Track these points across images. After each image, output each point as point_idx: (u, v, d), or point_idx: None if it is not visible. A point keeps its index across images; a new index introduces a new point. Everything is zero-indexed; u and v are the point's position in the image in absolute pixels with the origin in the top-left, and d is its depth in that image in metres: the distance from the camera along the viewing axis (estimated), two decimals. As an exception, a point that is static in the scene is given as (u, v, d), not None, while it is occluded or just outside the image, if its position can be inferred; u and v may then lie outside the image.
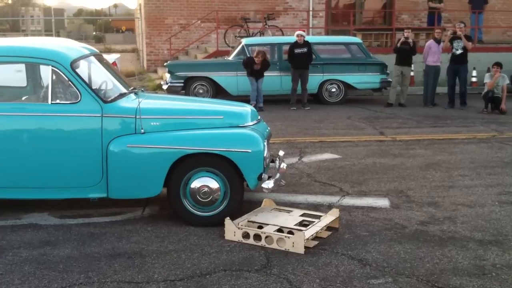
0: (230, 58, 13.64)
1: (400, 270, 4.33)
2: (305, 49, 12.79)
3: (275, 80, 13.25)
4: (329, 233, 5.06)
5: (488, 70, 13.66)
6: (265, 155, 5.27)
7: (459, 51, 12.92)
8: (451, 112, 12.49)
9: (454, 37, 13.00)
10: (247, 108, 5.89)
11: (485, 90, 12.60)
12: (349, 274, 4.27)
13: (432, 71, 13.33)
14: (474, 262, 4.47)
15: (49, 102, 5.21)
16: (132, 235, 5.06)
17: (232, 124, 5.53)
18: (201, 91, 13.11)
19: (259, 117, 5.90)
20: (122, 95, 5.58)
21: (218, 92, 13.12)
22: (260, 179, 5.23)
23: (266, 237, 4.79)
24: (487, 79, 12.66)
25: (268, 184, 5.24)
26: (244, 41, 13.78)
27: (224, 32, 17.16)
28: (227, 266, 4.40)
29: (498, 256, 4.59)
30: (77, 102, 5.21)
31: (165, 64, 14.39)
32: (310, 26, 18.71)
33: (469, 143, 9.14)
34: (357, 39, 14.77)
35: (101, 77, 5.74)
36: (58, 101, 5.25)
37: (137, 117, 5.25)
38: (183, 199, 5.26)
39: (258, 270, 4.33)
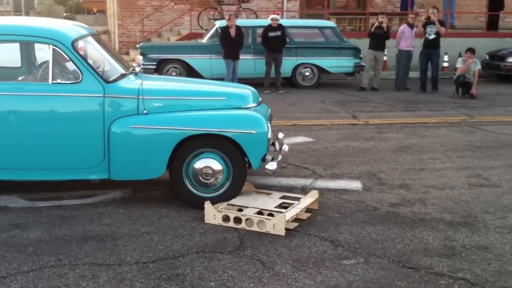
0: (204, 40, 13.54)
1: (372, 251, 4.37)
2: (279, 33, 12.75)
3: (249, 64, 13.19)
4: (309, 214, 5.08)
5: (460, 55, 13.81)
6: (269, 136, 5.26)
7: (432, 36, 13.03)
8: (422, 97, 12.62)
9: (428, 22, 13.10)
10: (248, 90, 5.84)
11: (457, 74, 12.75)
12: (322, 255, 4.30)
13: (404, 56, 13.42)
14: (444, 243, 4.54)
15: (50, 81, 5.12)
16: (103, 218, 5.01)
17: (235, 106, 5.49)
18: (174, 73, 12.98)
19: (260, 99, 5.88)
20: (122, 76, 5.48)
21: (191, 75, 13.01)
22: (263, 160, 5.23)
23: (247, 219, 4.78)
24: (459, 64, 12.81)
25: (272, 165, 5.25)
26: (218, 23, 13.66)
27: (198, 14, 16.98)
28: (200, 248, 4.39)
29: (467, 237, 4.67)
30: (78, 82, 5.13)
31: (137, 46, 14.23)
32: (285, 9, 18.62)
33: (440, 127, 9.26)
34: (331, 23, 14.76)
35: (101, 58, 5.64)
36: (59, 81, 5.15)
37: (139, 97, 5.19)
38: (186, 180, 5.23)
39: (231, 252, 4.34)
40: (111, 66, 5.58)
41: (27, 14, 43.86)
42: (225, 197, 5.17)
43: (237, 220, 4.82)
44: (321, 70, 13.72)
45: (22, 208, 5.22)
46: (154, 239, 4.57)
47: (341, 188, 5.93)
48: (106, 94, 5.13)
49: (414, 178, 6.32)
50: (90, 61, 5.26)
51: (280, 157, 5.46)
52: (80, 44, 5.33)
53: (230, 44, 12.38)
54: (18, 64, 5.85)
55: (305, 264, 4.14)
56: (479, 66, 12.84)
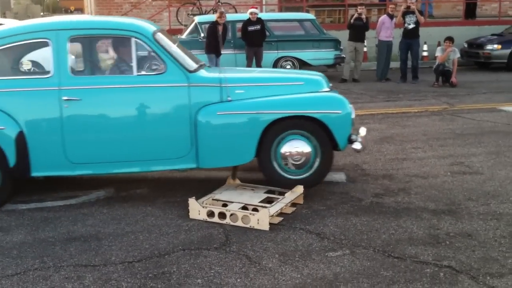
0: (183, 36, 13.46)
1: (357, 242, 4.39)
2: (258, 27, 12.72)
3: (230, 58, 13.15)
4: (294, 209, 5.08)
5: (439, 44, 13.90)
6: (352, 117, 5.39)
7: (412, 26, 13.10)
8: (403, 86, 12.69)
9: (407, 12, 13.16)
10: (320, 76, 5.98)
11: (436, 63, 12.83)
12: (308, 248, 4.31)
13: (385, 46, 13.48)
14: (428, 232, 4.57)
15: (135, 73, 5.15)
16: (87, 218, 4.96)
17: (312, 90, 5.60)
18: (154, 70, 12.89)
19: (331, 85, 5.97)
20: (200, 67, 5.53)
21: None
22: (349, 140, 5.35)
23: (231, 215, 4.77)
24: (438, 53, 12.89)
25: (357, 145, 5.40)
26: (197, 19, 13.61)
27: (177, 10, 16.90)
28: (186, 245, 4.37)
29: (451, 225, 4.70)
30: (163, 73, 5.18)
31: (116, 44, 14.07)
32: (263, 3, 18.61)
33: (421, 116, 9.31)
34: (311, 16, 14.78)
35: (177, 50, 5.61)
36: (143, 72, 5.24)
37: (222, 85, 5.25)
38: (274, 163, 5.31)
39: (217, 248, 4.32)
40: (186, 58, 5.57)
41: (3, 14, 43.29)
42: (315, 178, 5.36)
43: (222, 215, 4.81)
44: (302, 62, 13.72)
45: (4, 211, 5.16)
46: (139, 238, 4.54)
47: (325, 180, 5.93)
48: (190, 83, 5.19)
49: (397, 168, 6.35)
50: (172, 53, 5.29)
51: (360, 139, 5.55)
52: (159, 36, 5.35)
53: (217, 40, 12.33)
54: (102, 58, 5.90)
55: (291, 258, 4.14)
56: (458, 55, 12.94)
